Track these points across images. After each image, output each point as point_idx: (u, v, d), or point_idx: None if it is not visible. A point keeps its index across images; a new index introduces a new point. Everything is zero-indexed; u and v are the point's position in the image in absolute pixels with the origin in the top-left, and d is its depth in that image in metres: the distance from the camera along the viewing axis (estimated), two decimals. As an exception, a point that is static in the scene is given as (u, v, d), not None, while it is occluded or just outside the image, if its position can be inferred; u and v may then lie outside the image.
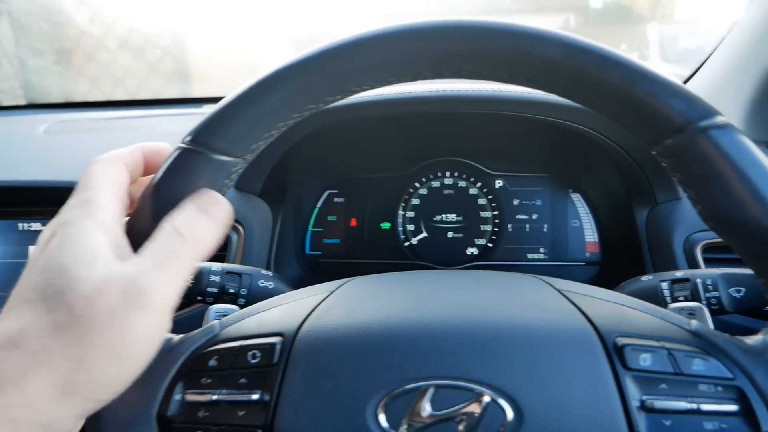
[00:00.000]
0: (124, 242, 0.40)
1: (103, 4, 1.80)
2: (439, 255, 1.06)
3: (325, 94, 0.44)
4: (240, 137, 0.44)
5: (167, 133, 1.11)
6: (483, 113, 0.91)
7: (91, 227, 0.38)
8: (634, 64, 0.40)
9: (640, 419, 0.40)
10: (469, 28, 0.41)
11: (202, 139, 0.43)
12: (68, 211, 0.39)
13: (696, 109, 0.39)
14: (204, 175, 0.43)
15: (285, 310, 0.49)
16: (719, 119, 0.39)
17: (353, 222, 1.09)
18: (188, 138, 0.44)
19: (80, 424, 0.39)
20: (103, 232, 0.38)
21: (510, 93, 0.87)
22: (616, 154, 0.90)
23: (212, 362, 0.45)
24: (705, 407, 0.40)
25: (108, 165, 0.43)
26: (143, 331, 0.36)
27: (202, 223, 0.40)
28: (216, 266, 0.70)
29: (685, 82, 1.13)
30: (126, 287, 0.35)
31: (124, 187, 0.43)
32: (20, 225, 0.96)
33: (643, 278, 0.67)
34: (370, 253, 1.08)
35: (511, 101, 0.87)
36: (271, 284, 0.71)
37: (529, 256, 1.05)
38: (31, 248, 0.95)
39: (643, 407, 0.40)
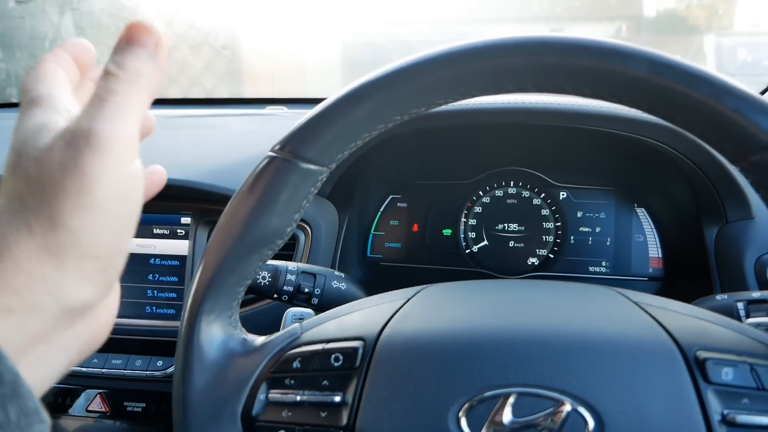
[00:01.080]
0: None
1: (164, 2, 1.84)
2: (500, 264, 1.07)
3: (410, 106, 0.45)
4: (328, 147, 0.45)
5: (235, 133, 1.14)
6: (550, 125, 0.91)
7: (44, 113, 0.36)
8: (720, 80, 0.40)
9: None
10: (555, 44, 0.42)
11: (291, 147, 0.45)
12: (21, 114, 0.37)
13: None
14: (291, 183, 0.45)
15: (364, 315, 0.50)
16: None
17: (415, 227, 1.10)
18: (278, 146, 0.45)
19: (107, 296, 0.38)
20: (53, 112, 0.36)
21: (580, 106, 0.87)
22: (687, 169, 0.89)
23: (296, 364, 0.47)
24: None
25: (46, 65, 0.39)
26: (104, 173, 0.34)
27: (132, 55, 0.37)
28: (292, 266, 0.72)
29: (763, 92, 1.11)
30: (69, 136, 0.33)
31: (66, 83, 0.40)
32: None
33: (718, 297, 0.67)
34: (430, 259, 1.09)
35: (582, 114, 0.87)
36: (343, 285, 0.73)
37: (591, 268, 1.04)
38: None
39: (725, 421, 0.40)
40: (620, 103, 0.43)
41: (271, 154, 0.46)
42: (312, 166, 0.45)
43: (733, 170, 0.84)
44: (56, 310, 0.33)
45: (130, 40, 0.37)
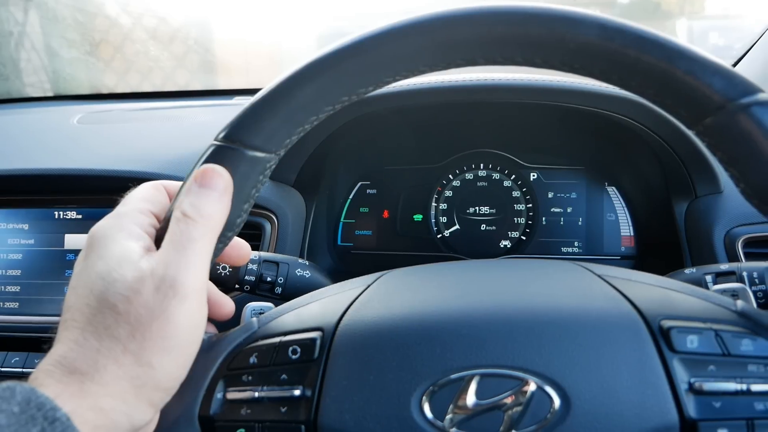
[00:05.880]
0: (153, 247, 0.43)
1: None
2: (472, 247, 1.06)
3: (357, 86, 0.44)
4: (274, 133, 0.44)
5: (199, 124, 1.12)
6: (518, 103, 0.91)
7: (121, 236, 0.41)
8: (672, 42, 0.39)
9: (689, 402, 0.39)
10: (501, 13, 0.41)
11: (235, 135, 0.43)
12: (103, 223, 0.43)
13: (737, 86, 0.39)
14: (238, 172, 0.44)
15: (323, 305, 0.49)
16: (761, 96, 0.39)
17: (385, 214, 1.09)
18: (222, 135, 0.44)
19: (157, 415, 0.43)
20: (133, 240, 0.41)
21: (546, 82, 0.86)
22: (655, 145, 0.89)
23: (253, 359, 0.45)
24: (755, 387, 0.39)
25: (148, 186, 0.46)
26: (184, 318, 0.39)
27: (206, 199, 0.42)
28: (254, 255, 0.70)
29: (734, 65, 1.11)
30: (157, 282, 0.39)
31: (160, 206, 0.46)
32: (56, 213, 0.97)
33: (687, 271, 0.66)
34: (401, 245, 1.08)
35: (547, 90, 0.86)
36: (307, 273, 0.71)
37: (564, 249, 1.04)
38: (67, 237, 0.96)
39: (692, 389, 0.40)
40: (573, 72, 0.43)
41: (215, 143, 0.44)
42: (259, 154, 0.44)
43: (701, 144, 0.83)
44: (128, 428, 0.39)
45: (203, 184, 0.42)
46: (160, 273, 0.39)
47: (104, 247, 0.41)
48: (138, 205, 0.44)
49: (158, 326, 0.38)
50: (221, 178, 0.42)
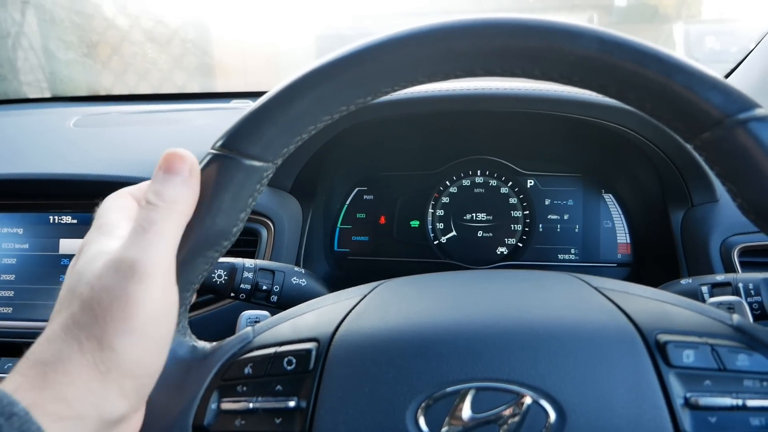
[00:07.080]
0: None
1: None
2: (469, 254, 1.06)
3: (356, 96, 0.44)
4: (271, 142, 0.43)
5: (196, 128, 1.11)
6: (515, 111, 0.90)
7: (103, 240, 0.41)
8: (670, 57, 0.39)
9: (685, 417, 0.39)
10: (501, 26, 0.41)
11: (233, 144, 0.43)
12: (87, 236, 0.43)
13: (734, 102, 0.39)
14: (235, 181, 0.43)
15: (319, 315, 0.49)
16: (759, 111, 0.39)
17: (382, 219, 1.09)
18: (219, 143, 0.44)
19: (138, 409, 0.42)
20: (110, 237, 0.41)
21: (543, 91, 0.86)
22: (652, 154, 0.89)
23: (247, 370, 0.45)
24: (750, 403, 0.39)
25: (117, 197, 0.46)
26: (146, 299, 0.38)
27: (169, 184, 0.41)
28: (249, 263, 0.70)
29: (726, 77, 1.11)
30: (117, 264, 0.38)
31: (133, 212, 0.45)
32: (51, 218, 0.96)
33: (682, 281, 0.66)
34: (398, 251, 1.08)
35: (545, 99, 0.86)
36: (303, 281, 0.71)
37: (560, 256, 1.04)
38: (62, 241, 0.95)
39: (688, 404, 0.39)
40: (572, 84, 0.42)
41: (212, 151, 0.44)
42: (256, 163, 0.43)
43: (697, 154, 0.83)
44: (97, 421, 0.38)
45: (167, 169, 0.42)
46: (119, 256, 0.39)
47: (85, 253, 0.41)
48: (117, 214, 0.44)
49: (118, 307, 0.37)
50: (184, 162, 0.42)
